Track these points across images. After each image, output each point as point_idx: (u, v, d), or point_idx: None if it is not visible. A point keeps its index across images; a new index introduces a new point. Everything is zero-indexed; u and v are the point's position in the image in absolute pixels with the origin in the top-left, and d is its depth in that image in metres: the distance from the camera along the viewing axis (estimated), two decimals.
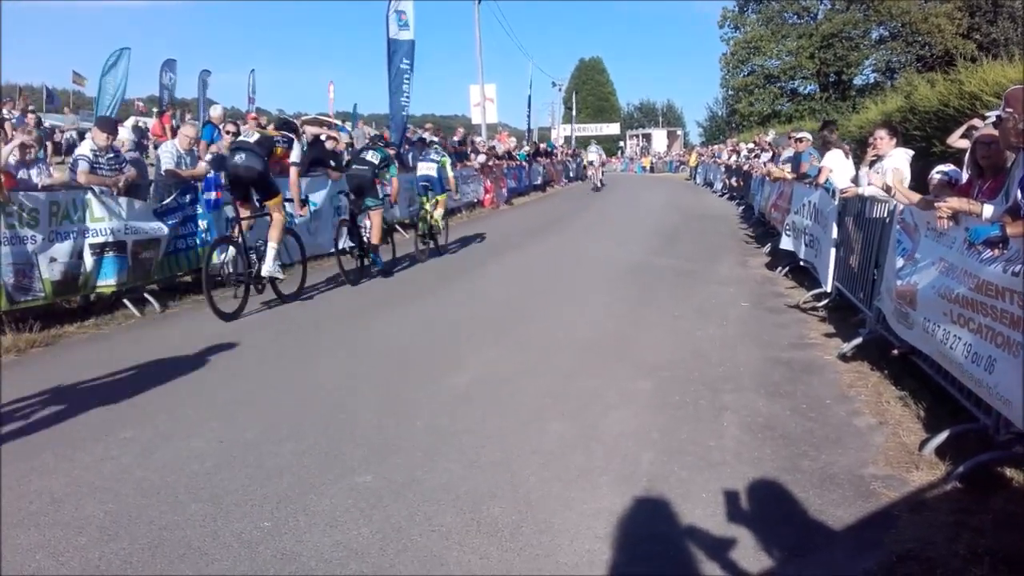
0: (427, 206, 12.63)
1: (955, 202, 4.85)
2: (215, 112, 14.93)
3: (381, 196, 10.54)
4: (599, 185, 34.28)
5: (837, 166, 9.47)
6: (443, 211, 12.96)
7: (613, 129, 74.84)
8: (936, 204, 5.01)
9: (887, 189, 6.67)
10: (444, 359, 6.60)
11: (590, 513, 3.78)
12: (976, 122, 7.40)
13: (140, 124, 20.12)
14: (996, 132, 5.69)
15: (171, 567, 3.30)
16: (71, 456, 4.44)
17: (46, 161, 9.89)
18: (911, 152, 7.84)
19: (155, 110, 24.33)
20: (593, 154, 38.79)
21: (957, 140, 7.72)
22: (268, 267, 8.37)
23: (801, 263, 10.17)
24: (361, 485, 4.10)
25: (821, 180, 9.50)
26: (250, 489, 4.04)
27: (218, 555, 3.40)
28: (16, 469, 4.23)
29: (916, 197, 6.11)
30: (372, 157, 10.56)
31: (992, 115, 6.51)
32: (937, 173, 6.70)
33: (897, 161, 7.51)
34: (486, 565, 3.34)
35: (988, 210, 4.53)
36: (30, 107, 23.54)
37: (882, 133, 7.92)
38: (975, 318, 4.24)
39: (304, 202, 9.35)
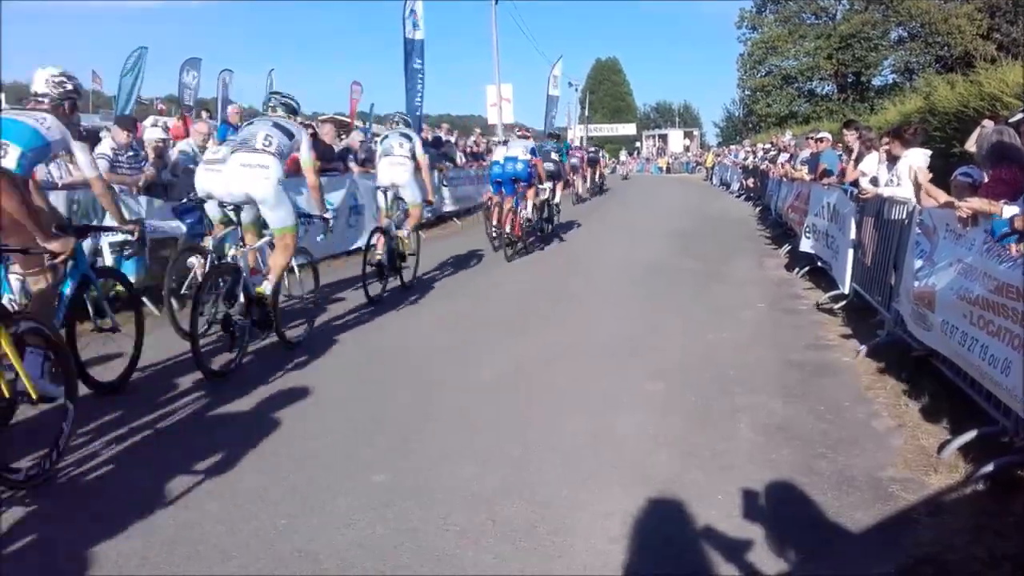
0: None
1: (975, 202, 4.81)
2: (231, 111, 15.02)
3: None
4: (626, 175, 50.47)
5: (873, 170, 9.33)
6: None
7: (629, 129, 74.69)
8: (957, 204, 4.98)
9: (917, 185, 6.63)
10: (458, 359, 6.61)
11: (604, 514, 3.77)
12: (987, 123, 7.33)
13: (160, 124, 20.27)
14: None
15: (187, 564, 3.33)
16: (85, 452, 4.48)
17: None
18: (928, 152, 7.77)
19: (173, 109, 24.45)
20: (624, 155, 64.91)
21: (974, 144, 7.64)
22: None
23: (819, 264, 10.11)
24: (377, 483, 4.11)
25: (851, 178, 9.43)
26: (266, 487, 4.06)
27: (235, 552, 3.41)
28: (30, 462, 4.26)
29: (943, 197, 6.06)
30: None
31: (1019, 115, 6.43)
32: (959, 175, 6.65)
33: (914, 160, 7.44)
34: (500, 565, 3.34)
35: (1010, 210, 4.48)
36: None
37: (893, 141, 7.98)
38: (994, 320, 4.21)
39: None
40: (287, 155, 6.58)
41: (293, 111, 7.01)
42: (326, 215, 7.26)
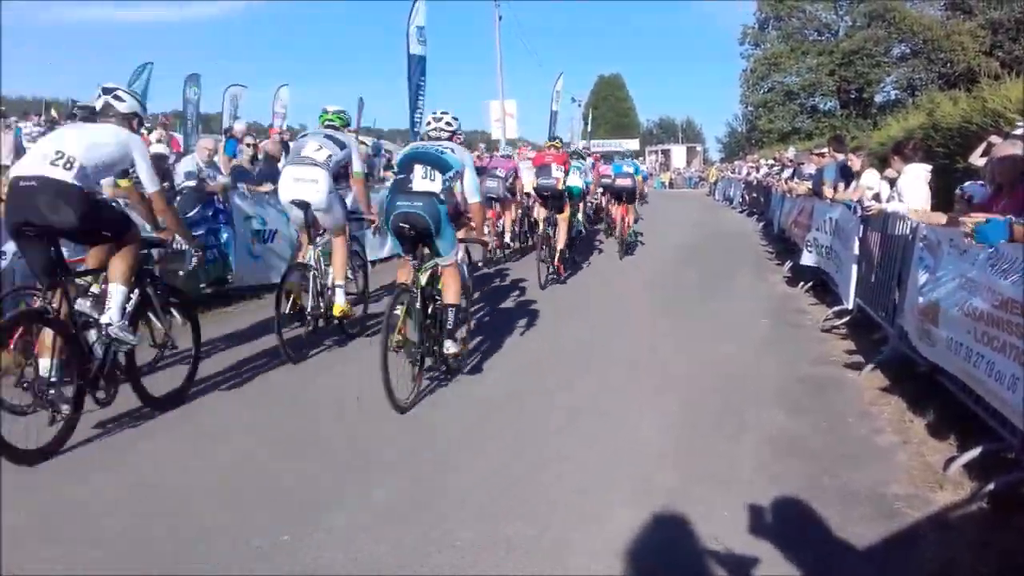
0: None
1: (979, 218, 4.81)
2: (238, 127, 15.07)
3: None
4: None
5: (876, 185, 9.33)
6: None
7: (632, 145, 74.79)
8: (960, 220, 4.97)
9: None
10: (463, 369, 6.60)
11: (609, 529, 3.75)
12: (994, 138, 7.33)
13: (164, 139, 20.36)
14: (1014, 149, 5.66)
15: None
16: (88, 469, 4.47)
17: None
18: (929, 167, 7.77)
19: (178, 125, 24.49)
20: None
21: (979, 158, 7.66)
22: None
23: (823, 279, 10.09)
24: (379, 500, 4.10)
25: (855, 196, 9.43)
26: (269, 503, 4.05)
27: (237, 569, 3.40)
28: (31, 481, 4.25)
29: (939, 220, 6.06)
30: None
31: (1020, 129, 6.44)
32: (961, 190, 6.66)
33: (913, 177, 7.43)
34: None
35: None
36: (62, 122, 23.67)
37: (894, 158, 8.03)
38: (999, 336, 4.19)
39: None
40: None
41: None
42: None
